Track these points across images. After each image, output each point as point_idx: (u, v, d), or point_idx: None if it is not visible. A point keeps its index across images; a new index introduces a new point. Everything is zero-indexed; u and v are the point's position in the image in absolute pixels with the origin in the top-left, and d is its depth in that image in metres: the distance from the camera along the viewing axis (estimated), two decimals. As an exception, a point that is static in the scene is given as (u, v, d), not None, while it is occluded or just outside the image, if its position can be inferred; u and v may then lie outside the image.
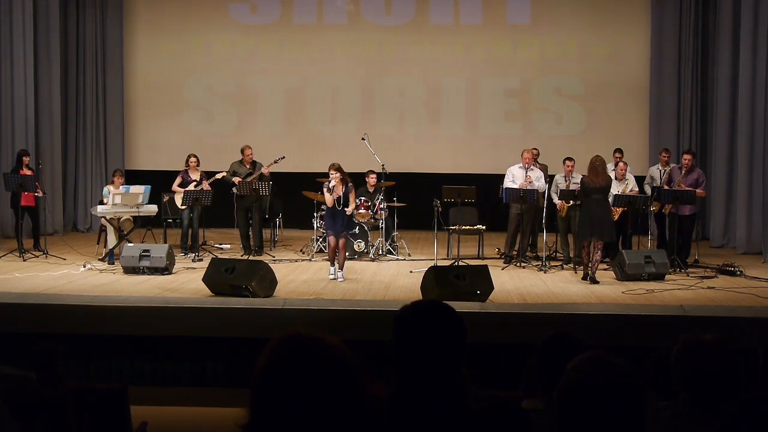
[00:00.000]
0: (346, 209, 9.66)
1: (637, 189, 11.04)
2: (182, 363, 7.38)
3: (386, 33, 14.52)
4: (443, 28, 14.48)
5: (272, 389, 1.65)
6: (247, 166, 11.71)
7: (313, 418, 1.62)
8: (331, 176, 9.69)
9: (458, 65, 14.50)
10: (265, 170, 11.54)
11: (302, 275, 9.89)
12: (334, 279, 9.57)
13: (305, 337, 1.70)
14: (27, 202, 11.39)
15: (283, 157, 11.73)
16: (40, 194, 11.49)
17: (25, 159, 11.59)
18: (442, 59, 14.47)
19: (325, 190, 9.75)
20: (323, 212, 11.58)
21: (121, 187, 11.15)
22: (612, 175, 10.94)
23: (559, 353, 2.83)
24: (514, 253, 10.91)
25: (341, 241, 9.76)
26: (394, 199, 11.98)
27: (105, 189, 11.44)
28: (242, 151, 11.81)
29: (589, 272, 9.50)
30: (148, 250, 9.70)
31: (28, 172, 11.45)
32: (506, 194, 10.73)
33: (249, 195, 11.44)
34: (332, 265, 9.74)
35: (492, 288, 8.24)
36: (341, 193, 9.63)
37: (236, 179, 11.52)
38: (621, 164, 11.08)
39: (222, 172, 11.64)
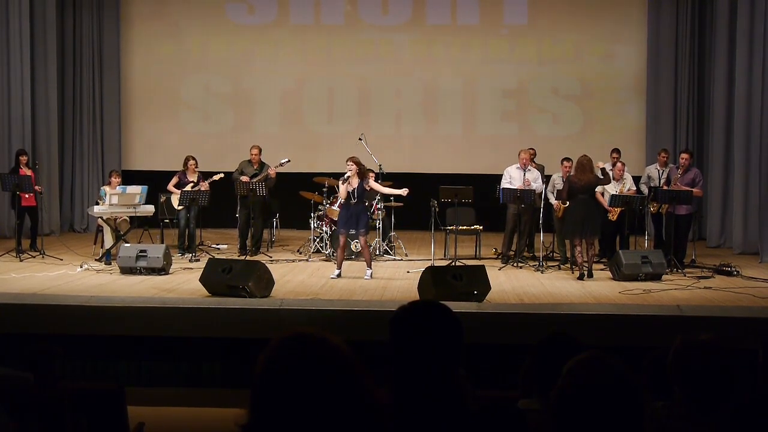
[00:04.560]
0: (360, 205, 9.65)
1: (634, 189, 11.06)
2: (179, 363, 7.38)
3: (383, 33, 14.53)
4: (440, 28, 14.49)
5: (273, 389, 1.65)
6: (255, 166, 11.70)
7: (314, 420, 1.62)
8: (347, 167, 9.66)
9: (455, 65, 14.51)
10: (271, 171, 11.52)
11: (299, 275, 9.88)
12: (335, 278, 9.59)
13: (308, 337, 1.70)
14: (27, 202, 11.40)
15: (288, 161, 11.73)
16: (39, 189, 11.52)
17: (23, 158, 11.58)
18: (439, 59, 14.48)
19: (340, 181, 9.74)
20: (320, 212, 11.62)
21: (117, 187, 11.14)
22: (609, 175, 10.99)
23: (556, 353, 2.83)
24: (512, 253, 10.91)
25: (362, 240, 9.77)
26: (391, 199, 11.97)
27: (102, 189, 11.42)
28: (250, 151, 11.80)
29: (585, 268, 9.61)
30: (145, 251, 9.69)
31: (28, 172, 11.45)
32: (503, 194, 10.75)
33: (246, 195, 11.45)
34: (338, 267, 9.74)
35: (489, 288, 8.24)
36: (355, 186, 9.58)
37: (244, 178, 11.50)
38: (619, 164, 11.09)
39: (219, 173, 11.63)
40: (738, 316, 7.45)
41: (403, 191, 10.11)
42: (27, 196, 11.37)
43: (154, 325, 7.47)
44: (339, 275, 9.64)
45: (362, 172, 9.70)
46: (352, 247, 10.93)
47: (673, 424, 2.61)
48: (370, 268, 9.72)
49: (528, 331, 6.82)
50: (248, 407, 1.67)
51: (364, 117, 14.46)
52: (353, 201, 9.63)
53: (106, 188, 11.22)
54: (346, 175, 9.64)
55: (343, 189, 9.65)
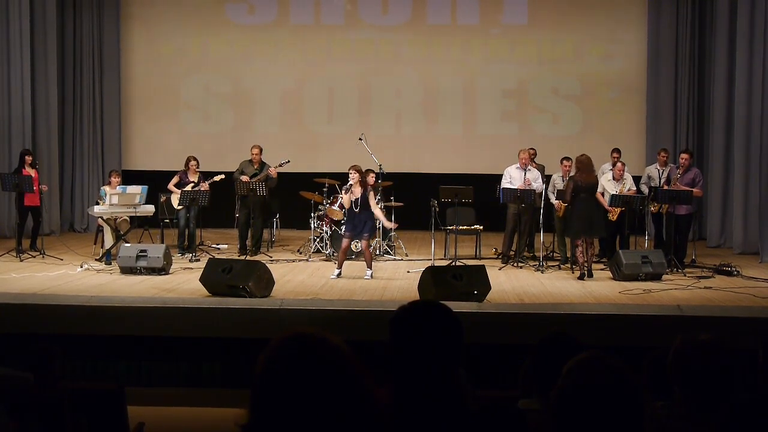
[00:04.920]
0: (365, 212, 9.68)
1: (634, 188, 11.05)
2: (179, 363, 7.38)
3: (383, 33, 14.52)
4: (440, 28, 14.49)
5: (273, 389, 1.64)
6: (255, 166, 11.70)
7: (314, 420, 1.62)
8: (350, 177, 9.72)
9: (455, 65, 14.50)
10: (272, 171, 11.52)
11: (299, 275, 9.89)
12: (335, 278, 9.60)
13: (308, 337, 1.70)
14: (31, 202, 11.41)
15: (288, 161, 11.75)
16: (45, 188, 11.57)
17: (28, 158, 11.58)
18: (439, 59, 14.48)
19: (342, 190, 9.80)
20: (320, 212, 11.63)
21: (118, 187, 11.14)
22: (609, 174, 11.00)
23: (556, 353, 2.83)
24: (512, 253, 10.91)
25: (363, 242, 9.86)
26: (392, 199, 11.99)
27: (102, 189, 11.42)
28: (250, 150, 11.80)
29: (585, 267, 9.63)
30: (145, 251, 9.69)
31: (31, 172, 11.46)
32: (503, 194, 10.76)
33: (246, 195, 11.45)
34: (339, 267, 9.76)
35: (489, 288, 8.24)
36: (358, 196, 9.65)
37: (244, 178, 11.51)
38: (619, 164, 11.09)
39: (220, 174, 11.63)
40: (738, 316, 7.45)
41: (392, 225, 10.33)
42: (41, 191, 11.42)
43: (154, 325, 7.46)
44: (339, 275, 9.66)
45: (364, 182, 9.78)
46: (353, 247, 10.93)
47: (673, 424, 2.61)
48: (371, 269, 9.75)
49: (528, 331, 6.81)
50: (248, 407, 1.67)
51: (364, 117, 14.45)
52: (357, 210, 9.66)
53: (106, 188, 11.22)
54: (348, 184, 9.69)
55: (346, 198, 9.72)
